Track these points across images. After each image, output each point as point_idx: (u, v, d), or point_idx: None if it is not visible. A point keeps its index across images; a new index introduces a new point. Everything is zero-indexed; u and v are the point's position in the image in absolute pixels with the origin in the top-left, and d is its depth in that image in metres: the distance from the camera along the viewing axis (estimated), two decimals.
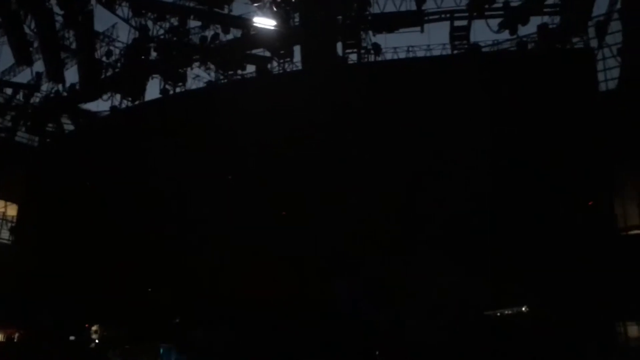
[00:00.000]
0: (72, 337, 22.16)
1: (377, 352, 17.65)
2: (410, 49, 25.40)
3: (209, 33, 26.81)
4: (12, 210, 34.72)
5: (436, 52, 24.76)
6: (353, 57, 24.72)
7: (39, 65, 28.09)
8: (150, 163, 24.34)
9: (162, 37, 27.53)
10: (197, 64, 27.40)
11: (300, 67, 25.38)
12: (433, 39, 26.42)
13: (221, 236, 21.77)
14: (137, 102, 27.63)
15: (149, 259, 23.29)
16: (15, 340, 24.08)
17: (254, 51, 26.54)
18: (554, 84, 20.21)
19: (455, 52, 23.70)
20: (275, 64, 26.24)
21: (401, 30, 24.39)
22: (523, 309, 19.14)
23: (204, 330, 20.35)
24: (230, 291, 20.71)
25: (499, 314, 19.68)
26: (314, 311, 18.93)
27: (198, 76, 28.45)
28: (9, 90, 29.90)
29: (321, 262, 19.99)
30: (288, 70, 25.97)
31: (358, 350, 15.93)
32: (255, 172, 22.48)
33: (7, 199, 34.69)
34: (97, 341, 22.18)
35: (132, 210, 24.23)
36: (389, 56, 25.24)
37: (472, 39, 23.44)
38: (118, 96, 27.88)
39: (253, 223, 21.51)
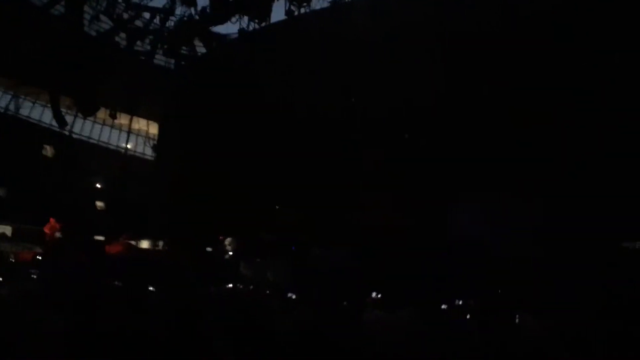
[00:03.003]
0: (209, 249, 24.01)
1: None
2: None
3: None
4: (153, 129, 37.55)
5: None
6: None
7: None
8: (278, 82, 24.99)
9: None
10: None
11: None
12: None
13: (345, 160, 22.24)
14: (263, 24, 28.05)
15: (278, 179, 24.38)
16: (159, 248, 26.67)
17: None
18: None
19: None
20: None
21: None
22: None
23: (321, 249, 21.05)
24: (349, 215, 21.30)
25: (638, 246, 18.42)
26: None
27: None
28: (147, 15, 31.39)
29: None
30: None
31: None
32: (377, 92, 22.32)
33: (150, 118, 37.47)
34: (230, 253, 23.86)
35: (261, 128, 25.27)
36: None
37: None
38: (246, 18, 28.46)
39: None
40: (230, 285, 15.77)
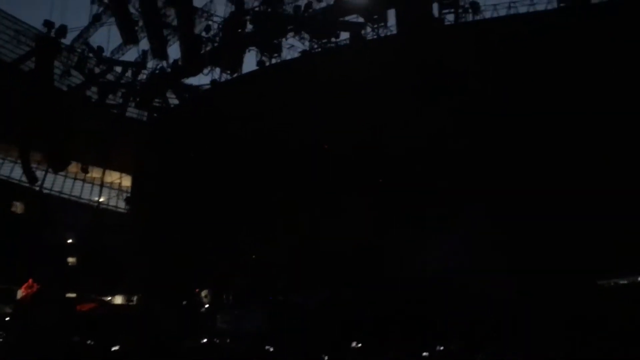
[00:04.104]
0: (184, 302, 23.50)
1: None
2: (512, 5, 23.84)
3: (302, 2, 26.74)
4: (126, 182, 37.17)
5: (540, 7, 23.06)
6: (450, 18, 23.80)
7: (144, 44, 29.32)
8: (251, 132, 25.12)
9: (257, 8, 27.80)
10: (291, 34, 27.49)
11: (394, 32, 24.79)
12: None
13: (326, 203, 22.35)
14: (235, 75, 28.38)
15: (253, 226, 24.22)
16: (133, 303, 25.95)
17: (347, 18, 26.19)
18: None
19: (562, 5, 22.03)
20: (369, 29, 25.85)
21: None
22: None
23: (303, 293, 20.77)
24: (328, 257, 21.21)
25: (612, 284, 18.63)
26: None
27: (293, 46, 28.53)
28: (118, 69, 31.49)
29: None
30: (382, 35, 25.48)
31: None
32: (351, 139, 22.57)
33: (122, 170, 37.11)
34: (207, 305, 23.36)
35: (235, 177, 25.22)
36: (487, 14, 23.90)
37: None
38: (218, 70, 28.79)
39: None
40: (206, 339, 15.38)
